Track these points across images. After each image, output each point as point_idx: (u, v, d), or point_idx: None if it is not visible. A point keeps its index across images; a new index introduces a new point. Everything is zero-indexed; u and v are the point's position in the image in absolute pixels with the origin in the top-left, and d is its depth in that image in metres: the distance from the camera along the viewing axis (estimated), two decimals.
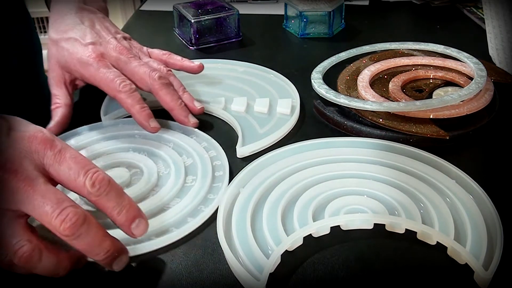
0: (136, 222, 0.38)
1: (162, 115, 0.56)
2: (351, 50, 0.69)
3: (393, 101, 0.56)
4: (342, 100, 0.56)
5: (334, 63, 0.67)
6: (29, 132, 0.38)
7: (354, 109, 0.56)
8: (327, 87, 0.59)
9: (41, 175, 0.36)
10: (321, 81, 0.61)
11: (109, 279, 0.39)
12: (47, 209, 0.35)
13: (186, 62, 0.61)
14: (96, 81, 0.54)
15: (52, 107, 0.56)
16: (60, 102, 0.56)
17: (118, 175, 0.47)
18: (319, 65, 0.66)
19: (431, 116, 0.54)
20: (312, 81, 0.62)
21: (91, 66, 0.54)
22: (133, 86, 0.54)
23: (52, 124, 0.55)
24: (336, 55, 0.68)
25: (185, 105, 0.56)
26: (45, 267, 0.36)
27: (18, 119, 0.39)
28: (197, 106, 0.57)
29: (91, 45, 0.55)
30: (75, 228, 0.35)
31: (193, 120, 0.56)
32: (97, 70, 0.53)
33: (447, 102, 0.53)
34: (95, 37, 0.56)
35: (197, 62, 0.62)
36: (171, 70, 0.59)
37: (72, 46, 0.55)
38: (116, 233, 0.39)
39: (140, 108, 0.53)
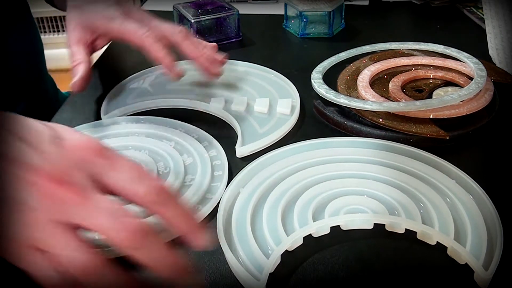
0: (196, 232, 0.36)
1: (166, 114, 0.56)
2: (351, 50, 0.69)
3: (393, 101, 0.56)
4: (342, 100, 0.56)
5: (334, 63, 0.67)
6: (77, 140, 0.36)
7: (354, 109, 0.56)
8: (327, 87, 0.59)
9: (93, 185, 0.34)
10: (321, 81, 0.61)
11: None
12: (103, 220, 0.32)
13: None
14: (121, 33, 0.57)
15: (72, 64, 0.57)
16: (80, 59, 0.57)
17: None
18: (319, 65, 0.66)
19: (431, 116, 0.54)
20: (312, 81, 0.62)
21: (117, 20, 0.57)
22: (157, 38, 0.56)
23: (76, 79, 0.56)
24: (336, 55, 0.68)
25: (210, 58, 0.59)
26: (105, 283, 0.33)
27: (62, 126, 0.37)
28: (220, 56, 0.60)
29: (116, 4, 0.58)
30: (133, 238, 0.32)
31: (217, 68, 0.59)
32: (122, 23, 0.57)
33: (447, 102, 0.53)
34: (118, 1, 0.59)
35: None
36: None
37: (96, 6, 0.58)
38: None
39: (165, 53, 0.56)
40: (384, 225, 0.42)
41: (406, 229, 0.42)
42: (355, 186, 0.46)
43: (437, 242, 0.41)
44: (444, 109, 0.54)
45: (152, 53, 0.56)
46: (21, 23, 0.73)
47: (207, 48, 0.60)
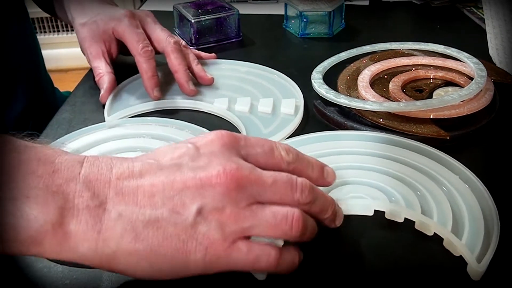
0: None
1: (169, 116, 0.56)
2: (351, 50, 0.69)
3: (393, 101, 0.56)
4: (342, 100, 0.56)
5: (334, 63, 0.67)
6: (207, 138, 0.37)
7: (355, 109, 0.56)
8: (327, 87, 0.60)
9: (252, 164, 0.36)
10: (321, 81, 0.61)
11: (110, 276, 0.39)
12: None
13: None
14: (124, 36, 0.61)
15: (96, 78, 0.61)
16: (102, 71, 0.61)
17: None
18: (319, 65, 0.66)
19: (431, 116, 0.54)
20: (313, 81, 0.62)
21: (123, 21, 0.61)
22: (153, 53, 0.59)
23: (103, 92, 0.60)
24: (336, 55, 0.68)
25: (197, 74, 0.62)
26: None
27: (180, 141, 0.39)
28: (209, 75, 0.62)
29: (123, 10, 0.63)
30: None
31: (192, 87, 0.60)
32: (127, 27, 0.60)
33: (448, 102, 0.53)
34: (123, 9, 0.63)
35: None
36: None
37: (105, 15, 0.62)
38: None
39: (151, 75, 0.59)
40: (383, 219, 0.43)
41: (405, 222, 0.42)
42: (357, 177, 0.47)
43: (434, 233, 0.41)
44: (445, 109, 0.54)
45: (140, 70, 0.59)
46: (18, 23, 0.73)
47: (197, 67, 0.62)
